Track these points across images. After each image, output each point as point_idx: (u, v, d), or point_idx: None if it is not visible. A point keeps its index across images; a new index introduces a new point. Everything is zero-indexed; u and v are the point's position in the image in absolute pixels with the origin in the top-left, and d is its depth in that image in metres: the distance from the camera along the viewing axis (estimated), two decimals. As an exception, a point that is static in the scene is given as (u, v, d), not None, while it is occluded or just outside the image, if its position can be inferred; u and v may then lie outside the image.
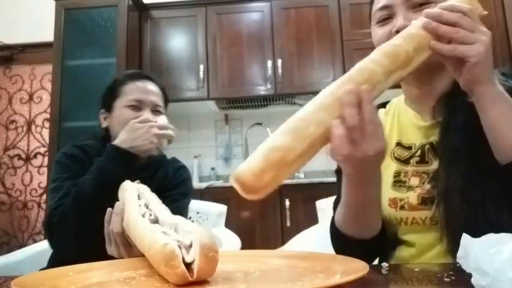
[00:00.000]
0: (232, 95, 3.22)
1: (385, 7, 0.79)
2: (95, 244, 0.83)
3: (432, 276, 0.55)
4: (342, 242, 0.76)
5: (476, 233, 0.49)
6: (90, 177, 1.01)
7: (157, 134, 1.06)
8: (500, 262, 0.41)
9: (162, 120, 1.14)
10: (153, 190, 0.90)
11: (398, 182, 0.81)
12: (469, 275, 0.46)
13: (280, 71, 3.15)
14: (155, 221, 0.63)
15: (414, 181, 0.79)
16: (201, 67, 3.21)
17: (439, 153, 0.77)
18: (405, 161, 0.83)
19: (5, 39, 3.63)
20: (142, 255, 0.64)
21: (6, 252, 1.71)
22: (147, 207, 0.69)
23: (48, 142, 3.06)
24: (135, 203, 0.71)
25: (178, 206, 1.13)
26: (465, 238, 0.49)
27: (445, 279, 0.52)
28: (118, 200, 0.99)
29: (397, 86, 0.72)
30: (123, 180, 0.98)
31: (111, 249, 0.80)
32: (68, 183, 1.05)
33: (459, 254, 0.50)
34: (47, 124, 3.53)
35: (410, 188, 0.79)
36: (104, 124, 1.21)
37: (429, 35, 0.60)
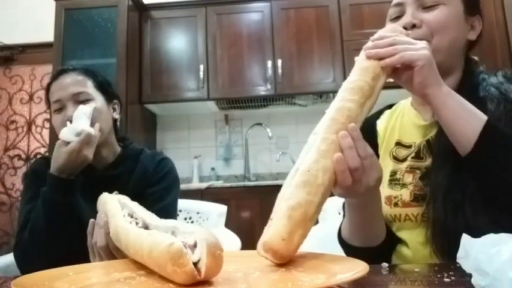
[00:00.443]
0: (232, 95, 3.22)
1: (398, 4, 0.84)
2: (80, 257, 0.81)
3: (432, 276, 0.55)
4: (351, 253, 0.77)
5: (455, 233, 0.50)
6: (40, 211, 1.00)
7: (82, 147, 0.99)
8: (500, 262, 0.41)
9: (83, 115, 1.03)
10: (130, 188, 0.87)
11: (394, 180, 0.84)
12: (469, 275, 0.46)
13: (280, 71, 3.15)
14: (145, 228, 0.61)
15: (407, 178, 0.83)
16: (201, 67, 3.20)
17: (433, 150, 0.80)
18: (402, 160, 0.86)
19: (5, 40, 3.63)
20: None
21: (6, 252, 1.70)
22: (132, 217, 0.67)
23: (48, 142, 3.06)
24: (120, 214, 0.69)
25: (165, 205, 1.09)
26: (465, 238, 0.49)
27: (445, 279, 0.52)
28: (72, 220, 0.99)
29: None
30: (73, 204, 0.98)
31: (94, 261, 0.78)
32: (27, 208, 1.04)
33: (459, 254, 0.50)
34: (47, 124, 3.54)
35: (404, 185, 0.82)
36: None
37: (377, 62, 0.66)
